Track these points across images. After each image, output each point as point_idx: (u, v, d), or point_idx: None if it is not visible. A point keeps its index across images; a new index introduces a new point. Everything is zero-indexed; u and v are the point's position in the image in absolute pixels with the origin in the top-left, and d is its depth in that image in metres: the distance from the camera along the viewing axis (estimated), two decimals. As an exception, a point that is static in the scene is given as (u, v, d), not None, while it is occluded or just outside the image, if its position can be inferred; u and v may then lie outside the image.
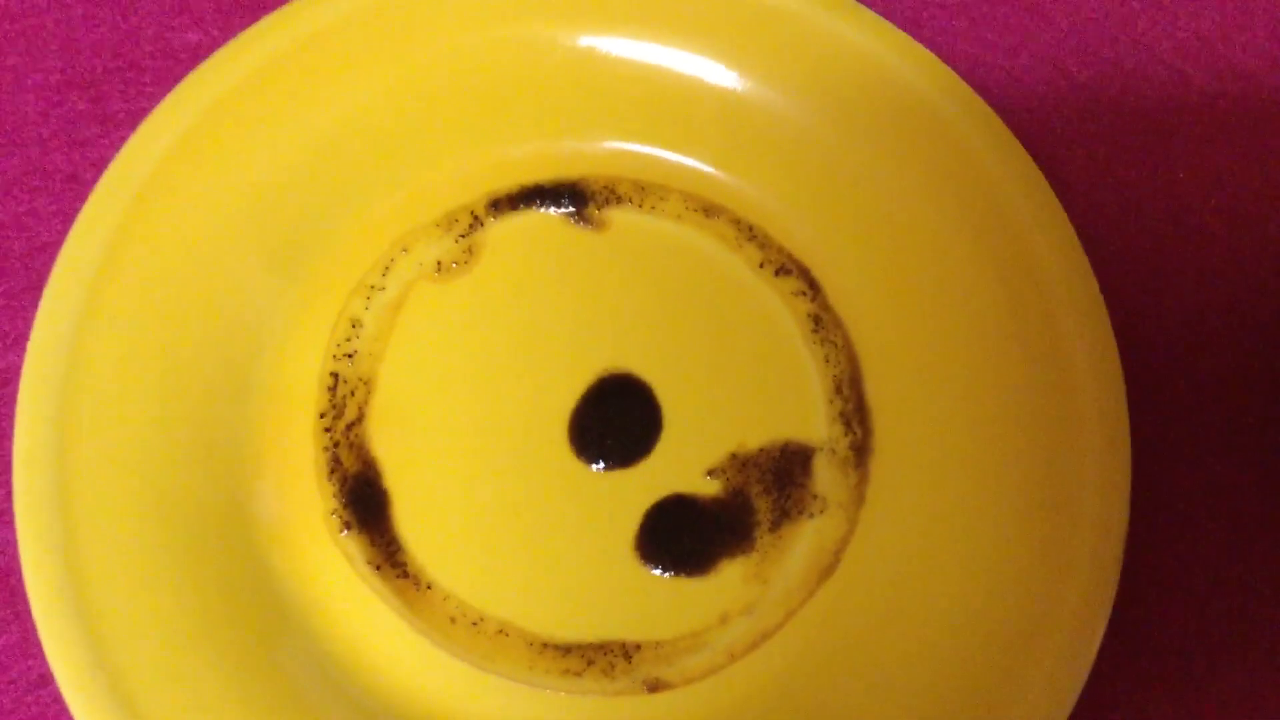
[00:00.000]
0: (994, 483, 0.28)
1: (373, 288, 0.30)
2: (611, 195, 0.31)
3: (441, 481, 0.29)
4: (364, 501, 0.28)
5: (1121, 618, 0.28)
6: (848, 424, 0.29)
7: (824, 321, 0.30)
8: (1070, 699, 0.25)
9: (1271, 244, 0.32)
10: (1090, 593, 0.26)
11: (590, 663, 0.27)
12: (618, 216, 0.31)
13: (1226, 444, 0.30)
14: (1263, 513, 0.29)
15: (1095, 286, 0.29)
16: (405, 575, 0.28)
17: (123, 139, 0.29)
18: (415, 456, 0.29)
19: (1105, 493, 0.27)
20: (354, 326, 0.30)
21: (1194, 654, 0.28)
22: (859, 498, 0.29)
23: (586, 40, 0.31)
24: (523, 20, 0.31)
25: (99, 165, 0.31)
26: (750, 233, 0.31)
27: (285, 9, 0.30)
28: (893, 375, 0.30)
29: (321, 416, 0.29)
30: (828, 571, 0.28)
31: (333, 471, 0.28)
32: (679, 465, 0.29)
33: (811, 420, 0.29)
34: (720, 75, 0.31)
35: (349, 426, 0.29)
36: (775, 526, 0.28)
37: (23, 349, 0.29)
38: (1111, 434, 0.27)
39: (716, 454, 0.29)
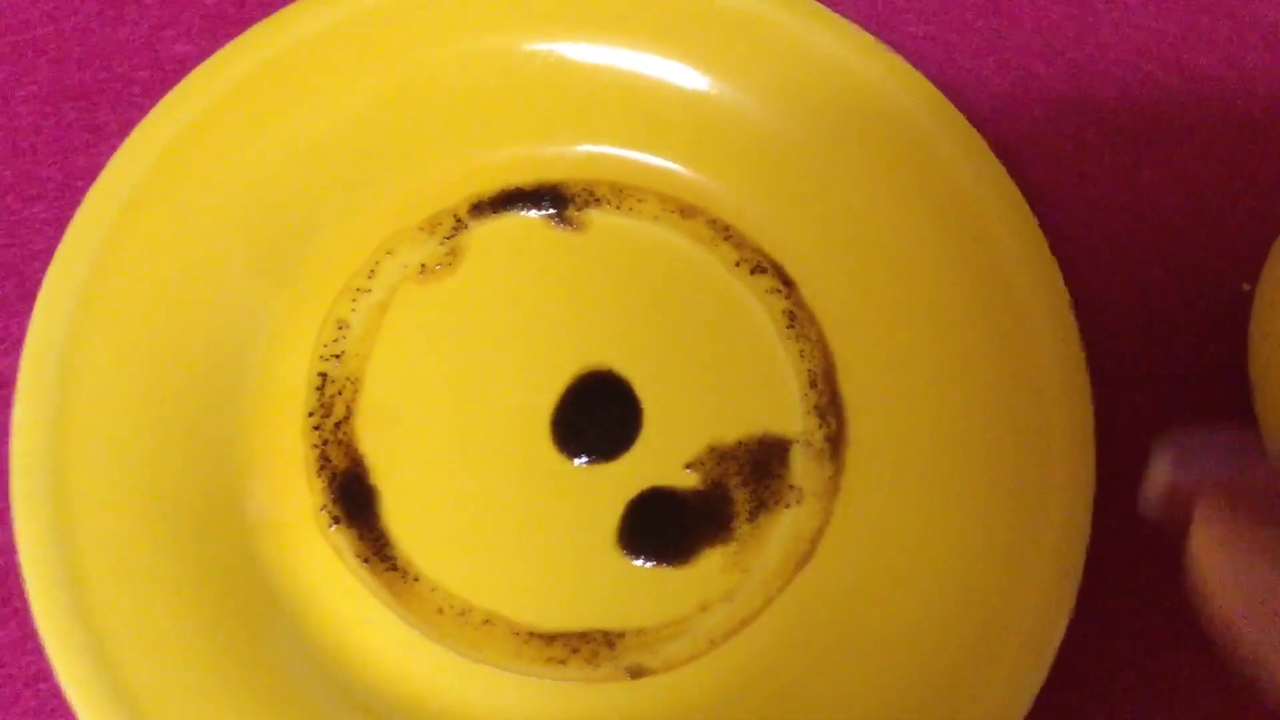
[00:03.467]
0: (963, 472, 0.29)
1: (359, 290, 0.31)
2: (590, 197, 0.32)
3: (428, 477, 0.29)
4: (352, 497, 0.29)
5: (1088, 603, 0.29)
6: (822, 417, 0.30)
7: (798, 318, 0.31)
8: (1037, 680, 0.26)
9: (1233, 239, 0.33)
10: (1056, 578, 0.27)
11: (574, 651, 0.28)
12: (597, 218, 0.32)
13: (1190, 432, 0.31)
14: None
15: (1060, 280, 0.29)
16: (393, 568, 0.28)
17: (113, 148, 0.30)
18: (402, 453, 0.29)
19: (1071, 482, 0.28)
20: (341, 328, 0.30)
21: (1159, 641, 0.29)
22: (834, 488, 0.30)
23: (563, 47, 0.32)
24: (502, 29, 0.32)
25: (90, 174, 0.31)
26: (726, 232, 0.32)
27: (270, 20, 0.31)
28: (865, 369, 0.31)
29: (310, 415, 0.30)
30: (804, 560, 0.29)
31: (322, 468, 0.29)
32: (659, 459, 0.30)
33: (787, 414, 0.30)
34: (693, 79, 0.32)
35: (337, 424, 0.30)
36: (753, 517, 0.29)
37: (18, 354, 0.29)
38: (1077, 425, 0.28)
39: (695, 447, 0.30)
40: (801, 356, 0.31)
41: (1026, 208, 0.30)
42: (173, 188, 0.30)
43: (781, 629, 0.28)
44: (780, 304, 0.31)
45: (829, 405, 0.30)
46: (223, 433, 0.29)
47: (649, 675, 0.28)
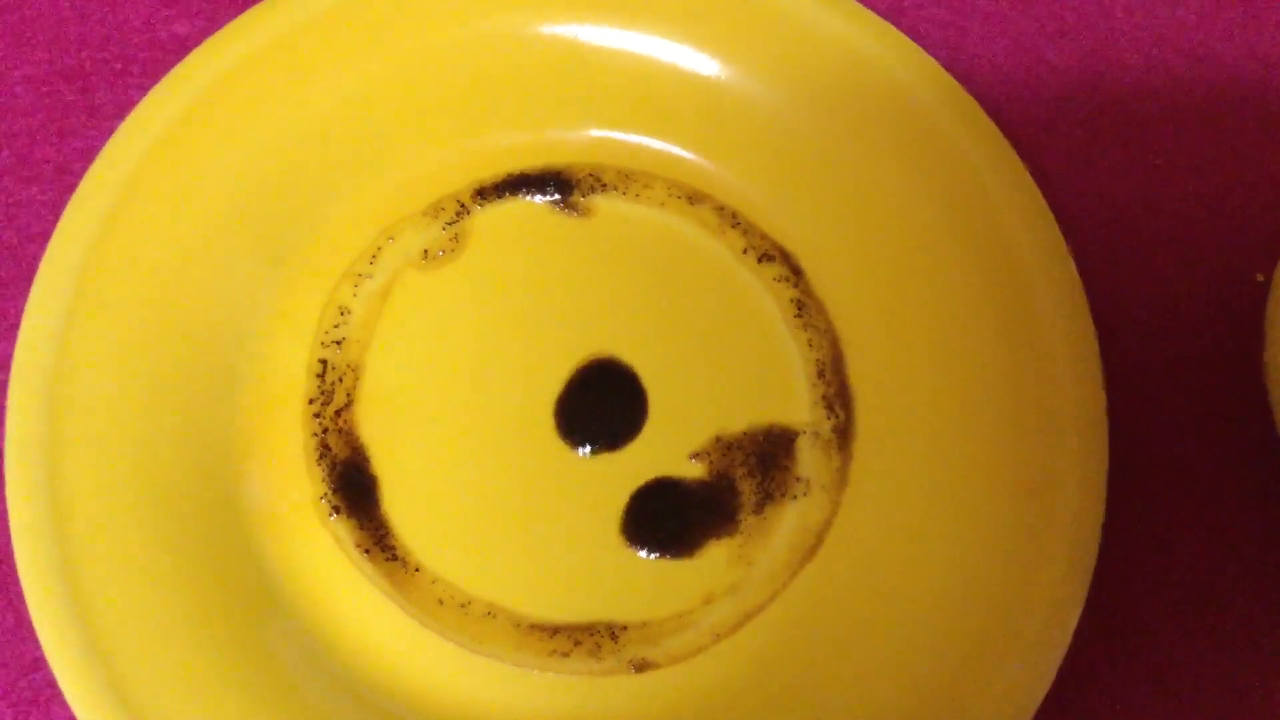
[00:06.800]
0: (974, 465, 0.28)
1: (360, 276, 0.30)
2: (596, 183, 0.31)
3: (429, 466, 0.29)
4: (353, 486, 0.29)
5: (1099, 598, 0.28)
6: (830, 407, 0.30)
7: (806, 306, 0.31)
8: (1048, 676, 0.26)
9: (1247, 229, 0.32)
10: (1067, 573, 0.27)
11: (577, 643, 0.28)
12: (602, 204, 0.31)
13: (1203, 428, 0.30)
14: (1237, 496, 0.30)
15: (1073, 270, 0.29)
16: (394, 558, 0.28)
17: (111, 130, 0.30)
18: (403, 441, 0.29)
19: (1083, 475, 0.27)
20: (342, 314, 0.30)
21: (1170, 634, 0.29)
22: (842, 480, 0.29)
23: (570, 30, 0.31)
24: (509, 12, 0.31)
25: (88, 156, 0.31)
26: (733, 219, 0.31)
27: (271, 1, 0.31)
28: (874, 359, 0.30)
29: (310, 403, 0.29)
30: (811, 552, 0.29)
31: (322, 457, 0.29)
32: (664, 449, 0.29)
33: (794, 404, 0.30)
34: (702, 64, 0.31)
35: (337, 412, 0.29)
36: (759, 508, 0.29)
37: (13, 339, 0.29)
38: (1089, 418, 0.28)
39: (701, 437, 0.29)
40: (809, 346, 0.30)
41: (1038, 194, 0.30)
42: (171, 171, 0.29)
43: (787, 623, 0.28)
44: (788, 292, 0.31)
45: (837, 395, 0.30)
46: (221, 420, 0.29)
47: (652, 669, 0.27)
